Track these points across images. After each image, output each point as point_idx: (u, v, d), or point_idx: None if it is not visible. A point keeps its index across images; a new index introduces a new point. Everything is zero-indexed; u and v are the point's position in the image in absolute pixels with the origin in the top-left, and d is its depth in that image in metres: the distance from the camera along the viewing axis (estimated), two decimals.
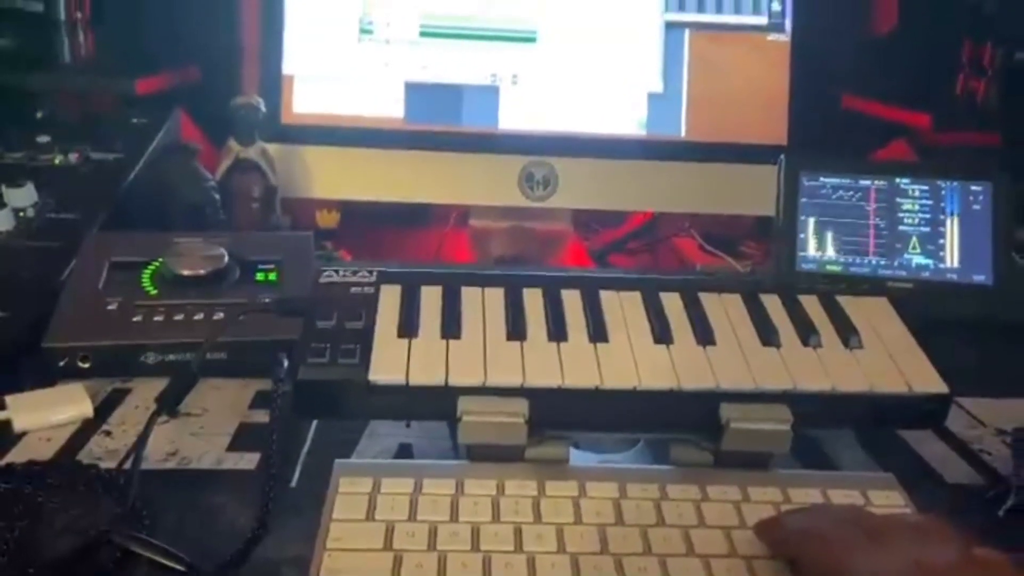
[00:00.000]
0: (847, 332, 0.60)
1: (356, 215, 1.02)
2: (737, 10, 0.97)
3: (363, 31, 0.94)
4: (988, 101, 1.05)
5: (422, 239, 1.06)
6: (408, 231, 1.06)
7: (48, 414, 0.60)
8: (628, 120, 0.97)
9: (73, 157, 0.87)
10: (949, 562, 0.41)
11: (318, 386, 0.55)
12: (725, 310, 0.62)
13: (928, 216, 0.80)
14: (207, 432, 0.61)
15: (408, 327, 0.58)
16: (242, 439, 0.60)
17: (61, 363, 0.64)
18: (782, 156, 0.82)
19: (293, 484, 0.56)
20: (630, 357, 0.57)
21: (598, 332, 0.59)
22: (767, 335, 0.60)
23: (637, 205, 1.02)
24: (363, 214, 1.02)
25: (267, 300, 0.67)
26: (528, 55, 0.95)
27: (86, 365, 0.65)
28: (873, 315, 0.62)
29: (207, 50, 1.03)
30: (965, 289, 0.79)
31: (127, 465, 0.55)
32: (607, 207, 1.01)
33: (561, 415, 0.55)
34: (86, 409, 0.61)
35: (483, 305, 0.61)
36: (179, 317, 0.67)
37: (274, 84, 0.94)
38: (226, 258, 0.72)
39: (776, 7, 0.97)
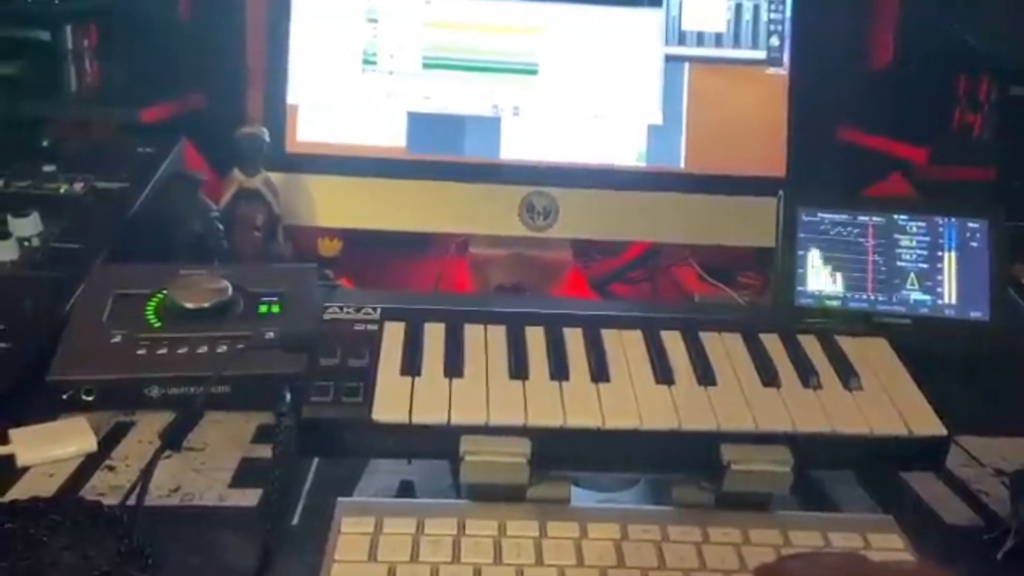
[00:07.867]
0: (847, 373, 0.61)
1: (358, 243, 1.03)
2: (736, 44, 0.98)
3: (367, 62, 0.95)
4: (984, 135, 1.06)
5: (423, 267, 1.06)
6: (409, 259, 1.06)
7: (52, 448, 0.60)
8: (628, 151, 0.98)
9: (78, 186, 0.87)
10: None
11: (322, 425, 0.56)
12: (726, 350, 0.63)
13: (926, 252, 0.81)
14: (209, 467, 0.61)
15: (411, 365, 0.59)
16: (244, 475, 0.60)
17: (65, 396, 0.65)
18: (781, 191, 0.83)
19: (295, 522, 0.56)
20: (632, 397, 0.58)
21: (600, 372, 0.60)
22: (768, 376, 0.60)
23: (637, 236, 1.03)
24: (365, 242, 1.03)
25: (271, 335, 0.68)
26: (529, 87, 0.96)
27: (90, 398, 0.65)
28: (872, 356, 0.63)
29: (212, 79, 1.04)
30: (962, 325, 0.80)
31: (130, 500, 0.55)
32: (607, 237, 1.02)
33: (563, 455, 0.56)
34: (90, 443, 0.61)
35: (485, 343, 0.62)
36: (183, 350, 0.67)
37: (278, 113, 0.95)
38: (230, 290, 0.72)
39: (774, 42, 0.98)
